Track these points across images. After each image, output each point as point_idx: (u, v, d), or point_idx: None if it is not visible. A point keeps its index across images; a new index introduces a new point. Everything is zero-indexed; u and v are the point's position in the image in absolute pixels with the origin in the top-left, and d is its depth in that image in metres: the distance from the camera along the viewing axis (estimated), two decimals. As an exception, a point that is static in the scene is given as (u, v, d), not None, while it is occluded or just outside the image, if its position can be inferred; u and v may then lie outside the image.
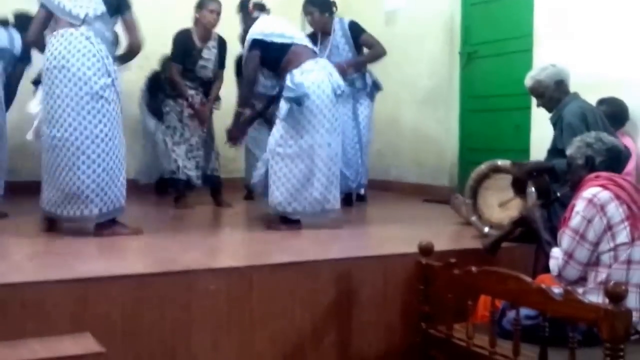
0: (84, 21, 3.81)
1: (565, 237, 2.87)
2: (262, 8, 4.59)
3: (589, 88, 4.16)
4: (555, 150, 3.85)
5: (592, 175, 2.95)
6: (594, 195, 2.83)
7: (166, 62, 5.62)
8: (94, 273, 2.97)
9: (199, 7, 5.28)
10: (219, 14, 5.23)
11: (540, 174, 3.87)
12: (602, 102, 4.31)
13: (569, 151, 3.12)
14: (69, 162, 3.75)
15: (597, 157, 3.00)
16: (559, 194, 3.44)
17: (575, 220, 2.84)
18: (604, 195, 2.82)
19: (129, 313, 2.90)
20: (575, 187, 3.03)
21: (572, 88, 3.96)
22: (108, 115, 3.80)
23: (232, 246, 3.88)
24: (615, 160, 3.05)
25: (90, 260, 3.42)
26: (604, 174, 2.93)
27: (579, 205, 2.85)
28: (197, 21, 5.32)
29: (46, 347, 2.61)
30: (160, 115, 5.62)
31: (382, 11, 6.84)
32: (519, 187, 3.93)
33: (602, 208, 2.80)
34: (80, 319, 2.79)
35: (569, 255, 2.85)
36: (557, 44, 4.86)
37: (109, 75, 3.82)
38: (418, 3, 6.49)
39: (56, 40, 3.80)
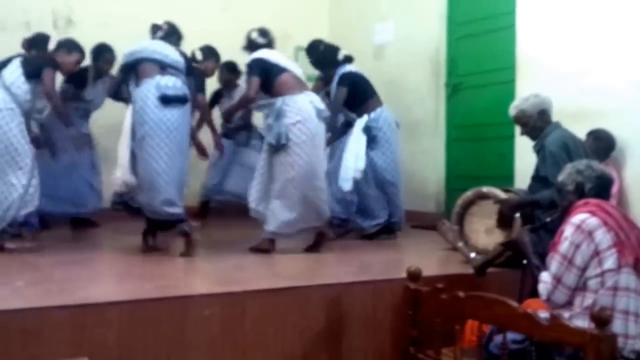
0: None
1: (554, 262, 2.93)
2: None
3: (570, 117, 4.29)
4: (538, 178, 3.94)
5: (582, 201, 3.01)
6: (582, 221, 2.89)
7: None
8: (92, 299, 3.02)
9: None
10: None
11: (525, 207, 3.97)
12: (593, 135, 4.43)
13: (560, 177, 3.19)
14: None
15: (587, 183, 3.07)
16: (548, 220, 3.51)
17: (564, 245, 2.90)
18: (592, 221, 2.88)
19: (125, 338, 2.94)
20: (565, 212, 3.09)
21: (554, 117, 4.07)
22: None
23: (226, 272, 3.92)
24: (604, 187, 3.12)
25: (88, 286, 3.46)
26: (592, 200, 2.99)
27: (568, 230, 2.91)
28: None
29: (44, 373, 2.64)
30: None
31: (371, 45, 7.00)
32: (504, 223, 4.03)
33: (590, 234, 2.86)
34: (78, 344, 2.82)
35: (557, 280, 2.90)
36: (539, 75, 4.99)
37: None
38: (405, 37, 6.65)
39: None
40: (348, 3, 7.55)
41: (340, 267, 4.17)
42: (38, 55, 4.69)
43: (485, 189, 4.25)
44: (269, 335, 3.27)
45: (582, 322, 2.72)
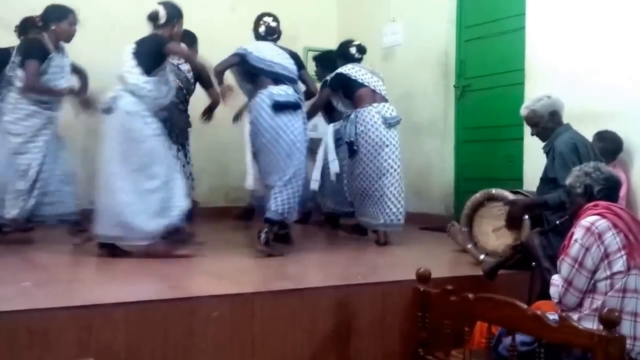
0: None
1: (565, 265, 2.92)
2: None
3: (578, 119, 4.27)
4: (547, 179, 3.92)
5: (591, 204, 3.01)
6: (591, 224, 2.89)
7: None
8: (99, 300, 3.02)
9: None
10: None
11: (534, 209, 3.95)
12: (599, 136, 4.41)
13: (568, 180, 3.19)
14: None
15: (595, 186, 3.07)
16: (557, 222, 3.50)
17: (574, 248, 2.90)
18: (602, 223, 2.88)
19: (132, 339, 2.94)
20: (574, 215, 3.09)
21: (564, 119, 4.05)
22: None
23: (235, 272, 3.92)
24: (613, 189, 3.12)
25: (95, 287, 3.46)
26: (602, 202, 2.99)
27: (578, 233, 2.91)
28: None
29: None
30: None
31: (381, 47, 6.99)
32: (514, 224, 4.01)
33: (599, 236, 2.86)
34: (84, 345, 2.83)
35: (568, 283, 2.90)
36: (548, 78, 4.98)
37: None
38: (414, 39, 6.65)
39: None
40: (357, 4, 7.56)
41: (349, 269, 4.17)
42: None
43: (494, 191, 4.25)
44: (278, 337, 3.27)
45: (591, 324, 2.72)
